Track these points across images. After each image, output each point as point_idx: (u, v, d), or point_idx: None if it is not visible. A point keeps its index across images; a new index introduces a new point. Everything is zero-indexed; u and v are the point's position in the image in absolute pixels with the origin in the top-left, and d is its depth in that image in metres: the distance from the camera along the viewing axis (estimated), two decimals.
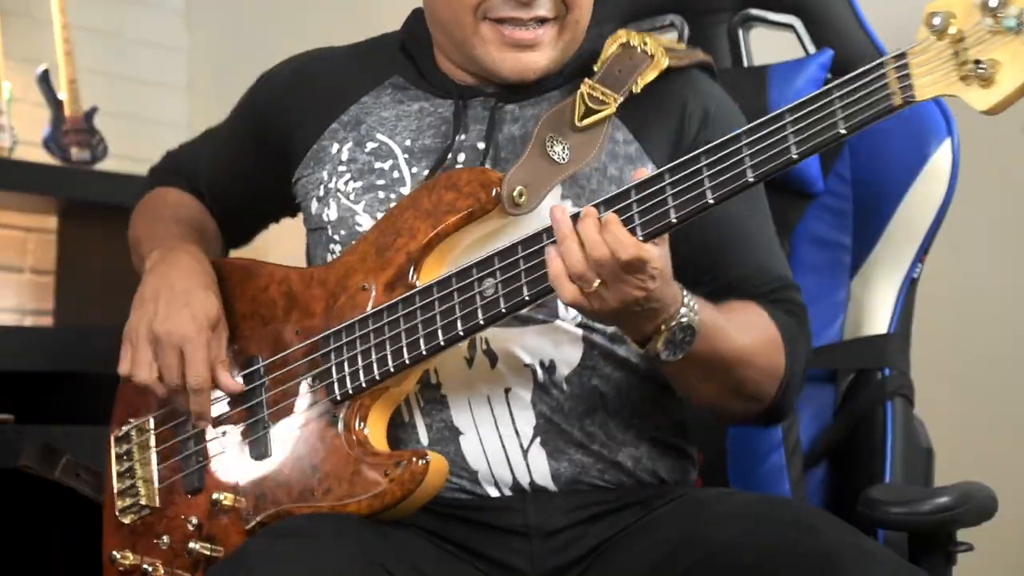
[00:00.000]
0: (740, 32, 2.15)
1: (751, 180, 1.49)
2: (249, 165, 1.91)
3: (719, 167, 1.50)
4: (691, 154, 1.51)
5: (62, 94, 3.10)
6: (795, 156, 1.47)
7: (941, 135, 1.98)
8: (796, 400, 1.76)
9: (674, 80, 1.72)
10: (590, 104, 1.67)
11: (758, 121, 1.49)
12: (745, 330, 1.65)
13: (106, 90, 3.35)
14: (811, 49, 2.09)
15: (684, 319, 1.55)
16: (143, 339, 1.73)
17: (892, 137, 2.00)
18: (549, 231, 1.55)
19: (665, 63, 1.70)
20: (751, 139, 1.49)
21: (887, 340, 2.01)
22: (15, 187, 2.90)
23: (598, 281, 1.49)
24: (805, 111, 1.46)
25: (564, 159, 1.65)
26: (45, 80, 3.09)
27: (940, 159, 1.98)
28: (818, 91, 1.46)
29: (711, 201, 1.50)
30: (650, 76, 1.69)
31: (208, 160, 1.97)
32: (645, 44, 1.70)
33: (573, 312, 1.67)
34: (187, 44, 3.64)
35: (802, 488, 1.99)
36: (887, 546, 1.70)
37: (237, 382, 1.72)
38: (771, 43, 2.17)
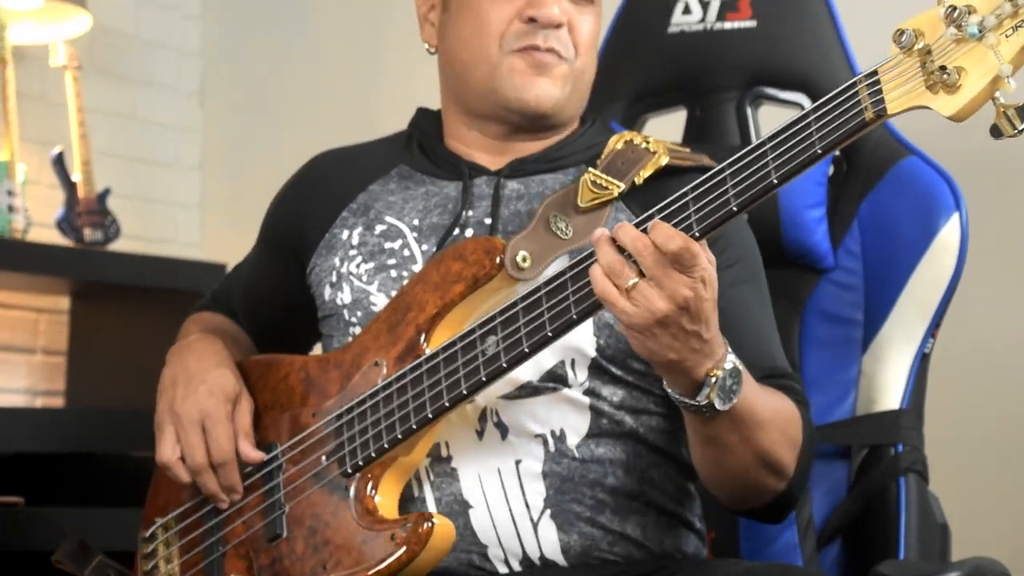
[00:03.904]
0: (748, 110, 2.16)
1: (735, 209, 1.51)
2: (277, 278, 1.94)
3: (705, 199, 1.52)
4: (677, 193, 1.54)
5: (76, 175, 3.13)
6: (775, 181, 1.49)
7: (949, 209, 1.98)
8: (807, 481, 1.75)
9: (676, 178, 1.74)
10: (593, 189, 1.72)
11: (740, 152, 1.51)
12: (768, 394, 1.66)
13: (119, 171, 3.38)
14: None
15: (732, 364, 1.56)
16: (166, 423, 1.76)
17: (901, 212, 2.00)
18: (547, 283, 1.58)
19: (665, 160, 1.75)
20: (733, 170, 1.51)
21: (900, 416, 1.99)
22: (28, 269, 2.92)
23: (635, 278, 1.49)
24: (784, 136, 1.48)
25: (567, 235, 1.70)
26: (59, 162, 3.11)
27: (949, 234, 1.98)
28: (798, 116, 1.49)
29: (697, 234, 1.53)
30: (650, 170, 1.74)
31: (241, 286, 2.02)
32: (647, 142, 1.77)
33: (581, 378, 1.70)
34: (200, 125, 3.67)
35: (815, 566, 1.98)
36: None
37: (258, 452, 1.74)
38: (778, 119, 2.17)
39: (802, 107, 2.12)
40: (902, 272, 2.00)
